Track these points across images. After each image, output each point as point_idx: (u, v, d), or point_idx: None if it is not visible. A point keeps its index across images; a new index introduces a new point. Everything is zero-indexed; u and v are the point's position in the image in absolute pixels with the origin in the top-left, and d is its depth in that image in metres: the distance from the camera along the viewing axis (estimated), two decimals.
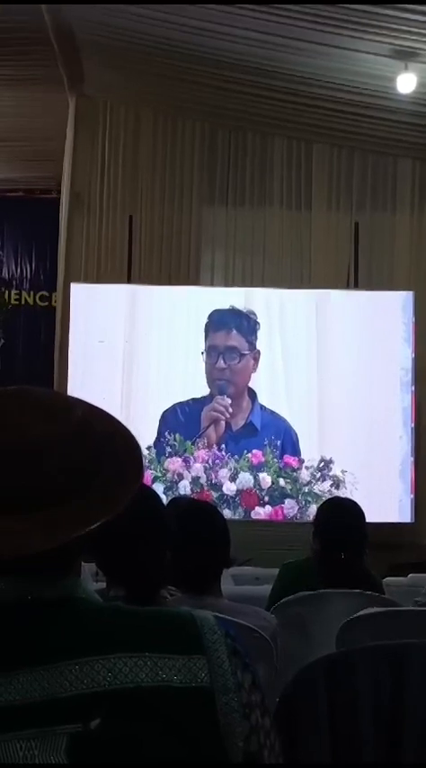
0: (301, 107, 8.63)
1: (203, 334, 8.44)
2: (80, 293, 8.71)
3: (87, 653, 1.14)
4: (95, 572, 2.23)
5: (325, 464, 8.29)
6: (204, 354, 8.38)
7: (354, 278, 9.30)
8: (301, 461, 8.33)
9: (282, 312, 8.61)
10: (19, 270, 11.14)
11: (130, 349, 8.57)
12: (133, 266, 9.26)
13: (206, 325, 8.43)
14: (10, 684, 1.11)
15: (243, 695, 1.21)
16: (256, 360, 8.40)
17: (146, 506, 2.13)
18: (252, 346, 8.41)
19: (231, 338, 8.41)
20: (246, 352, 8.38)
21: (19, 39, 7.82)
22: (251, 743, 1.21)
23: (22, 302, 10.92)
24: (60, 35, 7.92)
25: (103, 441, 1.23)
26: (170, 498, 7.98)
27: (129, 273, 9.21)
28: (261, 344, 8.44)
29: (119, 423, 1.28)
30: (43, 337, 10.62)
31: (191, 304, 8.61)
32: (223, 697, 1.18)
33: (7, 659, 1.13)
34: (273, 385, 8.52)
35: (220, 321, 8.45)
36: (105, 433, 1.24)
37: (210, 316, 8.44)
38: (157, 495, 2.30)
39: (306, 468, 8.31)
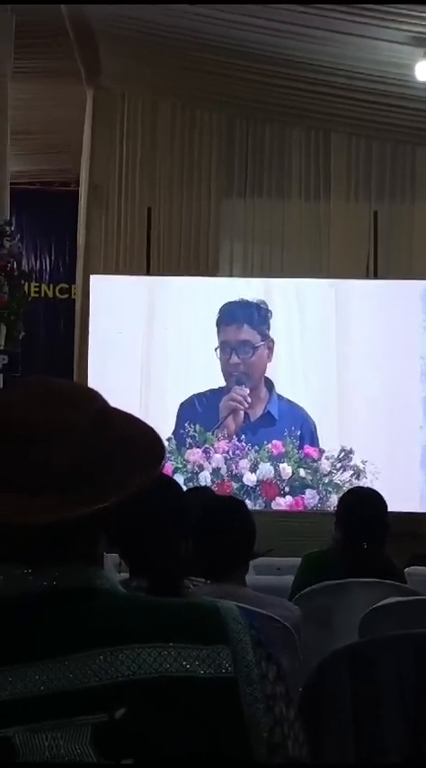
0: (319, 96, 8.59)
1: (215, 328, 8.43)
2: (99, 285, 8.72)
3: (111, 643, 1.15)
4: (119, 563, 2.24)
5: (346, 454, 8.27)
6: (218, 350, 8.37)
7: (373, 267, 9.27)
8: (321, 452, 8.31)
9: (301, 302, 8.59)
10: (38, 262, 11.16)
11: (149, 340, 8.58)
12: (152, 258, 9.26)
13: (217, 319, 8.40)
14: (34, 675, 1.12)
15: (267, 686, 1.21)
16: (270, 349, 8.37)
17: (167, 497, 2.13)
18: (265, 336, 8.38)
19: (242, 332, 8.39)
20: (259, 344, 8.36)
21: (36, 31, 7.83)
22: (274, 734, 1.21)
23: (42, 294, 10.95)
24: (77, 27, 7.92)
25: (122, 430, 1.26)
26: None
27: (148, 265, 9.21)
28: (279, 335, 8.42)
29: (137, 418, 1.31)
30: (63, 329, 10.65)
31: (210, 295, 8.60)
32: (247, 688, 1.18)
33: (31, 649, 1.14)
34: (292, 375, 8.50)
35: (230, 315, 8.41)
36: (124, 422, 1.29)
37: (221, 310, 8.41)
38: (179, 486, 2.30)
39: (327, 458, 8.29)
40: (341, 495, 4.28)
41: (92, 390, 1.30)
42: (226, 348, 8.38)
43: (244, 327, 8.39)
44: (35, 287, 10.61)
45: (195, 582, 2.66)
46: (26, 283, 7.77)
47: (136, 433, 1.30)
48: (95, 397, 1.28)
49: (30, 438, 1.17)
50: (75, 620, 1.16)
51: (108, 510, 1.18)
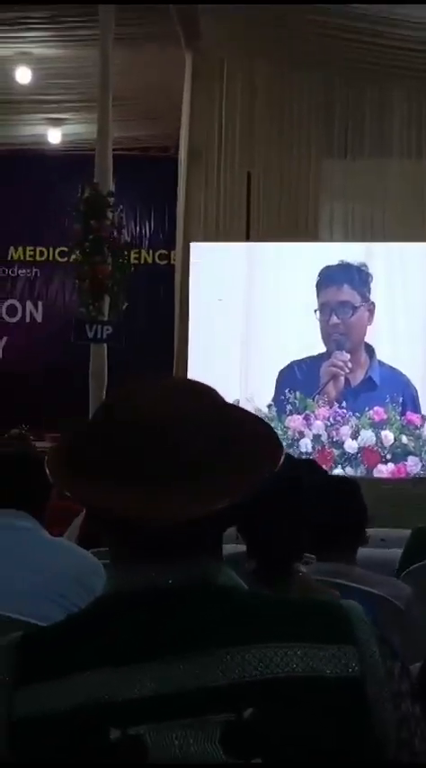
0: (419, 55, 8.38)
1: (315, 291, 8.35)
2: (199, 252, 8.73)
3: (238, 642, 1.14)
4: (236, 535, 2.24)
5: None
6: (317, 312, 8.30)
7: None
8: (424, 418, 8.21)
9: (403, 266, 8.45)
10: (138, 228, 11.23)
11: (248, 307, 8.56)
12: (251, 223, 9.21)
13: (317, 282, 8.34)
14: (162, 673, 1.13)
15: (393, 684, 1.20)
16: (371, 312, 8.27)
17: (288, 476, 2.12)
18: (366, 299, 8.28)
19: (343, 293, 8.30)
20: (360, 305, 8.27)
21: None
22: (402, 731, 1.20)
23: (142, 261, 11.02)
24: None
25: (242, 421, 1.26)
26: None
27: (248, 230, 9.17)
28: (380, 299, 8.31)
29: (250, 412, 1.32)
30: (162, 295, 10.71)
31: (310, 260, 8.52)
32: (374, 687, 1.17)
33: (158, 647, 1.15)
34: (393, 341, 8.39)
35: (330, 277, 8.34)
36: (243, 415, 1.29)
37: (321, 273, 8.34)
38: (298, 464, 2.28)
39: None
40: None
41: (209, 386, 1.30)
42: (325, 309, 8.31)
43: (344, 288, 8.31)
44: (135, 253, 10.67)
45: (306, 558, 2.66)
46: (128, 253, 7.84)
47: (254, 426, 1.29)
48: (213, 390, 1.28)
49: (159, 429, 1.17)
50: (201, 619, 1.16)
51: (235, 505, 1.18)
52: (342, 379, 8.30)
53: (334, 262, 8.36)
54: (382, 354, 8.30)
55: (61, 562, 2.43)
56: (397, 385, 8.25)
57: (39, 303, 11.60)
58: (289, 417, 8.30)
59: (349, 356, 8.27)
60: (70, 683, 1.13)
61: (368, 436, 8.22)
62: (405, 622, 2.73)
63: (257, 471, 1.20)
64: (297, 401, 8.30)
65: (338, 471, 8.08)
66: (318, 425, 8.27)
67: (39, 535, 2.53)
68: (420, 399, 8.24)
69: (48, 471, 1.23)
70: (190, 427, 1.18)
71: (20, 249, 11.59)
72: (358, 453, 8.22)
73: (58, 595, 2.33)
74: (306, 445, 8.23)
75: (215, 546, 1.23)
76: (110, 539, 1.25)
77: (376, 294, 8.29)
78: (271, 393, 8.36)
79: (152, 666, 1.13)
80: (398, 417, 8.20)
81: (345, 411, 8.25)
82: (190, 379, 1.35)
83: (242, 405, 7.61)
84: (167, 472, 1.16)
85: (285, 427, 8.29)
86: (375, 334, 8.31)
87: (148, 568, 1.18)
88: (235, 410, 1.29)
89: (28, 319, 11.64)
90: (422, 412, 8.22)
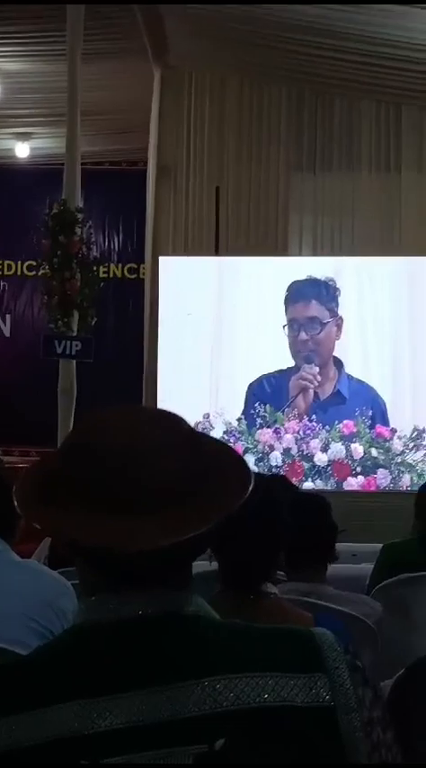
0: (388, 70, 8.46)
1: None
2: (168, 266, 8.73)
3: (209, 672, 1.14)
4: (209, 554, 2.23)
5: (419, 434, 8.19)
6: (286, 328, 8.32)
7: None
8: (393, 431, 8.24)
9: (371, 280, 8.50)
10: (107, 242, 11.21)
11: (218, 321, 8.57)
12: (221, 237, 9.23)
13: (285, 297, 8.36)
14: (132, 705, 1.12)
15: (364, 712, 1.20)
16: (339, 327, 8.30)
17: (261, 497, 2.11)
18: (334, 314, 8.31)
19: (311, 309, 8.33)
20: (328, 321, 8.30)
21: (103, 12, 7.82)
22: (373, 758, 1.20)
23: (111, 275, 11.00)
24: (144, 6, 7.89)
25: (211, 450, 1.26)
26: (262, 471, 8.01)
27: (217, 245, 9.18)
28: (349, 313, 8.35)
29: (219, 439, 1.35)
30: (132, 309, 10.70)
31: (279, 274, 8.55)
32: (345, 716, 1.17)
33: (127, 678, 1.14)
34: (361, 354, 8.43)
35: (298, 292, 8.36)
36: (211, 444, 1.29)
37: (289, 288, 8.37)
38: (270, 488, 2.25)
39: (399, 437, 8.22)
40: (419, 483, 4.22)
41: (178, 415, 1.30)
42: (294, 325, 8.34)
43: (312, 304, 8.34)
44: (104, 267, 10.66)
45: (280, 577, 2.66)
46: (97, 268, 7.83)
47: (223, 456, 1.30)
48: (182, 420, 1.28)
49: (128, 459, 1.16)
50: (171, 649, 1.16)
51: (203, 534, 1.18)
52: (311, 392, 8.33)
53: (303, 276, 8.39)
54: (350, 368, 8.34)
55: (31, 585, 2.41)
56: (366, 398, 8.29)
57: (8, 317, 11.55)
58: (259, 431, 8.31)
59: (318, 369, 8.29)
60: (41, 717, 1.13)
61: (337, 449, 8.24)
62: (377, 640, 2.74)
63: (226, 501, 1.20)
64: (266, 415, 8.32)
65: (308, 484, 8.10)
66: (288, 439, 8.28)
67: (9, 557, 2.51)
68: (388, 413, 8.28)
69: (16, 503, 1.23)
70: (159, 457, 1.18)
71: None
72: (328, 466, 8.25)
73: (28, 618, 2.31)
74: (276, 458, 8.25)
75: (184, 574, 1.23)
76: (80, 568, 1.24)
77: (344, 308, 8.33)
78: (241, 407, 8.37)
79: (123, 698, 1.13)
80: (367, 430, 8.23)
81: (315, 424, 8.27)
82: (159, 409, 1.35)
83: (212, 418, 7.63)
84: (136, 502, 1.15)
85: (255, 441, 8.30)
86: (343, 348, 8.34)
87: (118, 598, 1.18)
88: (204, 439, 1.29)
89: None
90: (391, 425, 8.26)
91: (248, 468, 1.29)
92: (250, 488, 1.25)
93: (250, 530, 2.04)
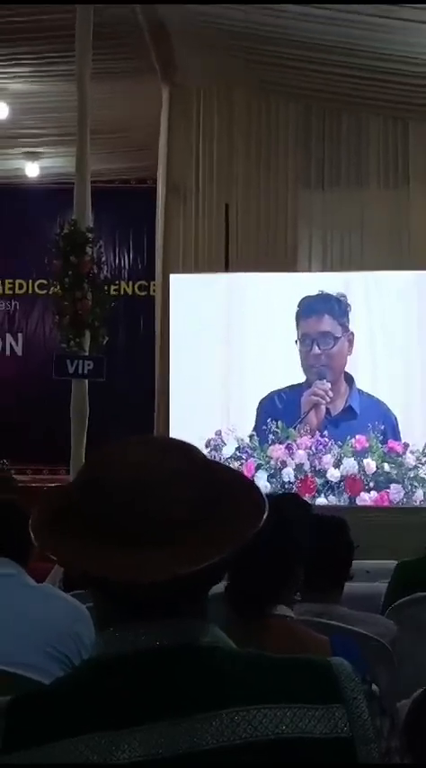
0: (395, 85, 8.48)
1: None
2: (179, 283, 8.75)
3: (227, 704, 1.14)
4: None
5: None
6: (298, 343, 8.32)
7: None
8: (405, 446, 8.22)
9: (381, 295, 8.50)
10: (117, 260, 11.26)
11: (229, 338, 8.58)
12: (230, 254, 9.25)
13: (296, 313, 8.36)
14: (151, 738, 1.12)
15: (382, 743, 1.19)
16: (350, 342, 8.30)
17: (279, 520, 2.10)
18: (346, 329, 8.31)
19: (323, 323, 8.32)
20: (340, 336, 8.29)
21: (111, 32, 7.87)
22: None
23: (121, 292, 11.04)
24: (152, 25, 7.95)
25: (224, 478, 1.26)
26: (274, 487, 8.01)
27: (227, 261, 9.20)
28: (360, 328, 8.34)
29: (233, 468, 1.34)
30: (143, 326, 10.73)
31: (289, 290, 8.55)
32: (363, 747, 1.17)
33: (147, 710, 1.14)
34: (371, 369, 8.42)
35: (310, 307, 8.36)
36: (224, 472, 1.29)
37: (301, 303, 8.36)
38: (283, 509, 2.24)
39: (411, 452, 8.20)
40: None
41: (190, 444, 1.31)
42: (306, 340, 8.33)
43: (324, 318, 8.33)
44: (114, 286, 10.70)
45: (294, 598, 2.64)
46: (108, 287, 7.85)
47: (236, 483, 1.30)
48: (194, 448, 1.28)
49: (133, 491, 1.17)
50: (188, 681, 1.16)
51: (219, 562, 1.18)
52: (323, 408, 8.31)
53: (313, 292, 8.40)
54: (361, 383, 8.33)
55: (47, 610, 2.42)
56: (378, 413, 8.28)
57: (19, 336, 11.59)
58: (272, 447, 8.30)
59: (329, 385, 8.29)
60: (59, 749, 1.13)
61: (350, 465, 8.22)
62: (392, 660, 2.73)
63: (240, 529, 1.20)
64: (278, 431, 8.31)
65: (321, 500, 8.09)
66: (300, 455, 8.27)
67: (24, 581, 2.52)
68: (400, 427, 8.26)
69: (32, 535, 1.24)
70: (169, 487, 1.18)
71: None
72: (340, 482, 8.23)
73: (45, 644, 2.32)
74: (288, 474, 8.23)
75: (200, 603, 1.23)
76: (95, 598, 1.25)
77: (354, 323, 8.33)
78: (253, 423, 8.37)
79: (141, 731, 1.13)
80: (380, 445, 8.22)
81: (327, 440, 8.26)
82: (171, 438, 1.35)
83: (224, 435, 7.60)
84: (145, 534, 1.16)
85: (268, 457, 8.29)
86: (354, 364, 8.33)
87: (134, 630, 1.18)
88: (217, 468, 1.29)
89: (8, 352, 11.62)
90: (403, 440, 8.24)
91: (262, 494, 1.29)
92: (265, 516, 1.25)
93: (259, 552, 2.03)
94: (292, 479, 8.21)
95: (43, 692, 1.24)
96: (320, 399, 8.30)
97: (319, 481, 8.22)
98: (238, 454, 8.29)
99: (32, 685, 1.97)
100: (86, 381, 7.14)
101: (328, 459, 8.24)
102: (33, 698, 1.22)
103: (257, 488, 1.31)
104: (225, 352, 8.55)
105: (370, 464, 8.20)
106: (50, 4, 7.35)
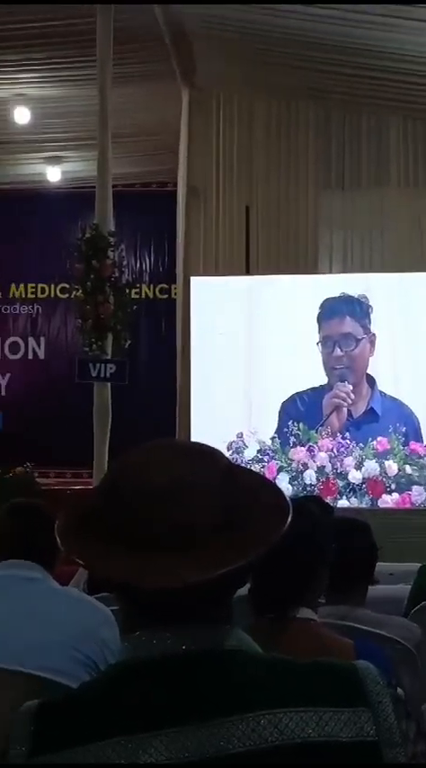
0: (414, 86, 8.47)
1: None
2: (200, 286, 8.76)
3: (252, 708, 1.14)
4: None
5: None
6: (319, 345, 8.31)
7: None
8: None
9: (402, 296, 8.48)
10: (138, 263, 11.28)
11: (250, 340, 8.58)
12: (251, 257, 9.25)
13: (318, 315, 8.36)
14: (179, 741, 1.13)
15: (409, 747, 1.20)
16: (372, 343, 8.28)
17: (304, 524, 2.09)
18: (367, 330, 8.30)
19: (345, 325, 8.31)
20: (362, 337, 8.28)
21: (132, 36, 7.89)
22: None
23: (142, 295, 11.06)
24: (172, 29, 7.97)
25: (248, 482, 1.26)
26: (296, 490, 8.00)
27: (248, 264, 9.21)
28: (381, 330, 8.33)
29: (257, 472, 1.33)
30: (164, 329, 10.74)
31: (310, 292, 8.55)
32: (390, 751, 1.17)
33: (174, 714, 1.15)
34: (393, 371, 8.39)
35: (332, 309, 8.36)
36: (248, 476, 1.30)
37: (322, 305, 8.36)
38: (306, 510, 2.23)
39: None
40: None
41: (213, 448, 1.31)
42: (328, 342, 8.32)
43: (346, 320, 8.32)
44: (135, 289, 10.72)
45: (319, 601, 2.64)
46: (129, 290, 7.87)
47: (259, 487, 1.30)
48: (218, 453, 1.28)
49: (164, 496, 1.18)
50: (213, 685, 1.16)
51: (244, 566, 1.18)
52: (345, 410, 8.30)
53: (334, 293, 8.39)
54: (382, 385, 8.31)
55: (72, 614, 2.43)
56: (399, 415, 8.26)
57: (42, 339, 11.64)
58: (293, 449, 8.29)
59: (351, 387, 8.27)
60: (86, 753, 1.14)
61: (372, 467, 8.21)
62: (417, 663, 2.72)
63: (265, 533, 1.20)
64: (300, 433, 8.31)
65: (343, 502, 8.08)
66: (322, 457, 8.26)
67: (49, 586, 2.53)
68: (422, 429, 8.24)
69: (58, 540, 1.25)
70: (192, 493, 1.19)
71: (21, 286, 11.63)
72: (362, 484, 8.21)
73: (71, 648, 2.33)
74: (310, 477, 8.23)
75: (225, 608, 1.24)
76: (121, 602, 1.26)
77: (376, 325, 8.31)
78: (274, 425, 8.36)
79: (168, 735, 1.13)
80: (401, 447, 8.20)
81: (349, 442, 8.24)
82: (195, 443, 1.34)
83: (245, 437, 7.59)
84: (167, 539, 1.16)
85: (289, 459, 8.29)
86: (375, 365, 8.32)
87: (160, 635, 1.19)
88: (240, 472, 1.29)
89: (30, 356, 11.67)
90: (425, 441, 8.21)
91: (286, 498, 1.29)
92: (289, 520, 1.25)
93: (283, 555, 2.03)
94: (314, 482, 8.21)
95: (71, 696, 1.25)
96: (342, 401, 8.28)
97: (341, 483, 8.21)
98: (260, 456, 8.29)
99: (59, 689, 1.98)
100: (109, 384, 7.16)
101: (350, 461, 8.23)
102: (61, 702, 1.23)
103: (281, 492, 1.31)
104: (246, 355, 8.55)
105: (392, 466, 8.19)
106: (70, 3, 7.36)
